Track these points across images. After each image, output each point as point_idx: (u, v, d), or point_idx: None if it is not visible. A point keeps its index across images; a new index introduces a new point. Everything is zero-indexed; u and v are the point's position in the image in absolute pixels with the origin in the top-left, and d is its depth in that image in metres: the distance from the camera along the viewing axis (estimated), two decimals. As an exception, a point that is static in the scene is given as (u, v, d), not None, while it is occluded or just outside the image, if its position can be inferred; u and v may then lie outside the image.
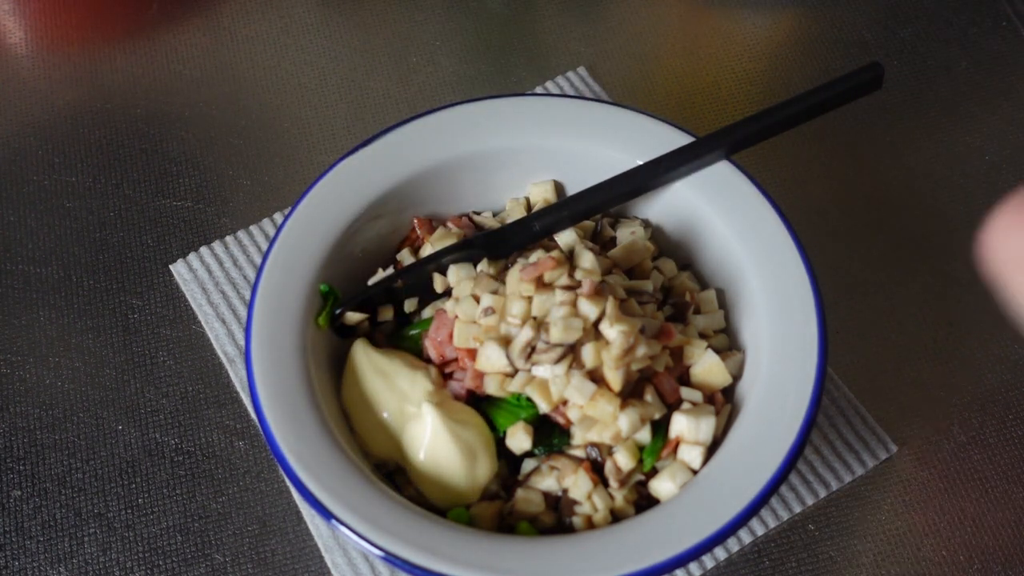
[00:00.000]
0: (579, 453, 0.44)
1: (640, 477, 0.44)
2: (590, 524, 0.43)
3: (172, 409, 0.52)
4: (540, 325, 0.43)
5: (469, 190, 0.52)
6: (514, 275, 0.44)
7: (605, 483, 0.44)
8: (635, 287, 0.47)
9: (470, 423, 0.44)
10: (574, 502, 0.43)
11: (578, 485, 0.43)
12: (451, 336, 0.45)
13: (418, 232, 0.51)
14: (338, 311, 0.47)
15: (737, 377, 0.46)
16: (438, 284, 0.48)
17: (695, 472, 0.43)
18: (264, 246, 0.57)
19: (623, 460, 0.43)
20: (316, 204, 0.48)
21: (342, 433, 0.43)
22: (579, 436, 0.43)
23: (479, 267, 0.47)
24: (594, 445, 0.44)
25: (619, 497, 0.43)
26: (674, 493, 0.42)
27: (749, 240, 0.47)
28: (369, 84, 0.64)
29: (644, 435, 0.43)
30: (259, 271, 0.46)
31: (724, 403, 0.46)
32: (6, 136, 0.61)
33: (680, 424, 0.43)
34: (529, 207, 0.52)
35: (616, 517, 0.43)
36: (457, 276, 0.47)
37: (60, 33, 0.66)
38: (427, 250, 0.50)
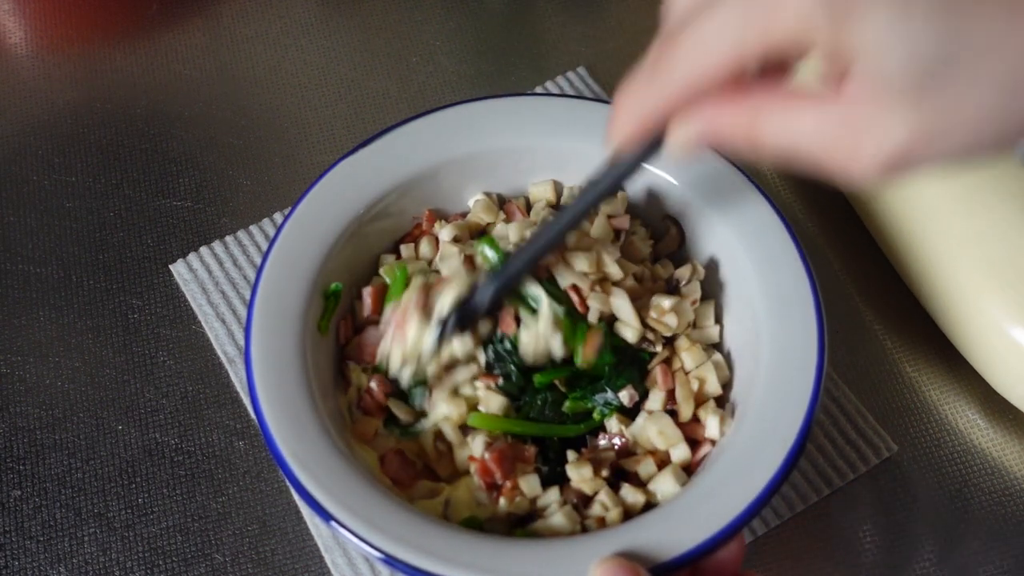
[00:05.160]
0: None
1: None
2: (603, 524, 0.43)
3: (172, 409, 0.52)
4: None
5: (469, 190, 0.52)
6: None
7: (615, 485, 0.44)
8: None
9: None
10: (588, 503, 0.43)
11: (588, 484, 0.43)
12: None
13: (424, 226, 0.51)
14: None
15: (736, 376, 0.47)
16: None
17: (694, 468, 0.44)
18: (264, 246, 0.57)
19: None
20: (316, 204, 0.48)
21: (341, 435, 0.43)
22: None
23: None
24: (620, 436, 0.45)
25: (632, 496, 0.43)
26: (676, 491, 0.43)
27: (749, 240, 0.47)
28: (369, 84, 0.64)
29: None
30: (259, 271, 0.46)
31: (725, 402, 0.46)
32: (6, 136, 0.61)
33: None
34: (529, 206, 0.52)
35: (629, 516, 0.43)
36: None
37: (60, 33, 0.66)
38: (425, 245, 0.50)
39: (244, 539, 0.49)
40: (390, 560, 0.39)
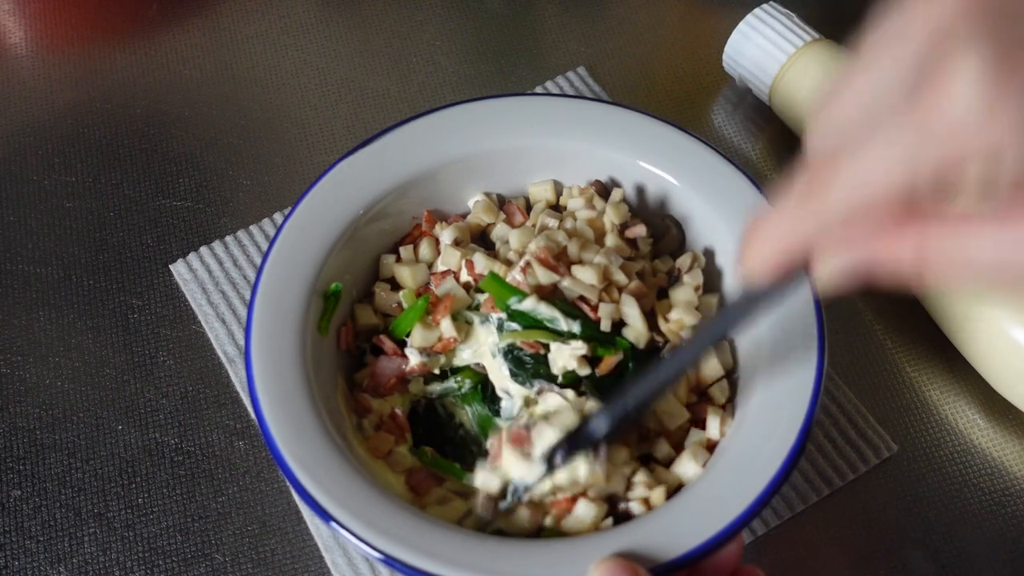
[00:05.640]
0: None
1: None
2: (648, 507, 0.43)
3: (172, 409, 0.52)
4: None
5: (469, 190, 0.52)
6: None
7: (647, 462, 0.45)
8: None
9: None
10: (628, 487, 0.43)
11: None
12: None
13: (424, 227, 0.51)
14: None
15: (736, 374, 0.47)
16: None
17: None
18: (264, 246, 0.57)
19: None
20: (316, 204, 0.48)
21: (341, 435, 0.43)
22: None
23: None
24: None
25: (669, 476, 0.44)
26: (699, 472, 0.43)
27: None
28: (369, 84, 0.64)
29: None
30: (259, 271, 0.46)
31: (728, 402, 0.46)
32: (6, 136, 0.61)
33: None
34: (529, 207, 0.52)
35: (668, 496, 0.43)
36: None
37: (60, 33, 0.66)
38: (425, 246, 0.50)
39: (244, 539, 0.49)
40: (390, 560, 0.39)
